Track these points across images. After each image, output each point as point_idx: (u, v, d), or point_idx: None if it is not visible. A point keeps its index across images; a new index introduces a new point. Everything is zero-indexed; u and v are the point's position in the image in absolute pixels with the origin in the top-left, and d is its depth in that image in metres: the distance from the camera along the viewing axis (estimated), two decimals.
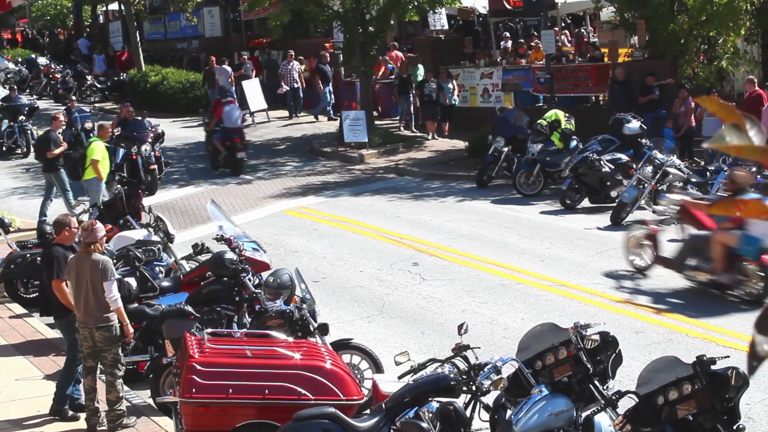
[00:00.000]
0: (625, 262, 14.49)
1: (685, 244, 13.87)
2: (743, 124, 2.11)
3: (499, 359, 8.40)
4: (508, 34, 30.50)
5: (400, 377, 8.79)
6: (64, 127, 20.44)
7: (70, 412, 10.01)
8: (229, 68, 30.62)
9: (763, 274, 12.58)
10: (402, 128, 26.98)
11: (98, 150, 17.59)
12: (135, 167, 20.85)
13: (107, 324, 9.68)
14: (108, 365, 9.69)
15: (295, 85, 29.95)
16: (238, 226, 13.39)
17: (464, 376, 8.37)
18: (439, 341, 11.64)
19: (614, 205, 17.43)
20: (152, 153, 21.18)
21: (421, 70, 26.61)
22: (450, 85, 25.58)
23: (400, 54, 29.73)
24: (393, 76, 28.94)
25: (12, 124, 26.22)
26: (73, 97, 30.03)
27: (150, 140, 21.40)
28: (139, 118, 22.31)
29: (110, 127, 19.01)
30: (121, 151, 21.06)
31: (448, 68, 26.13)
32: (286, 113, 31.03)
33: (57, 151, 18.57)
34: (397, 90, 27.20)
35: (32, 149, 23.78)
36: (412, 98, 26.57)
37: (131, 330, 10.13)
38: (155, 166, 21.13)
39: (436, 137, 25.71)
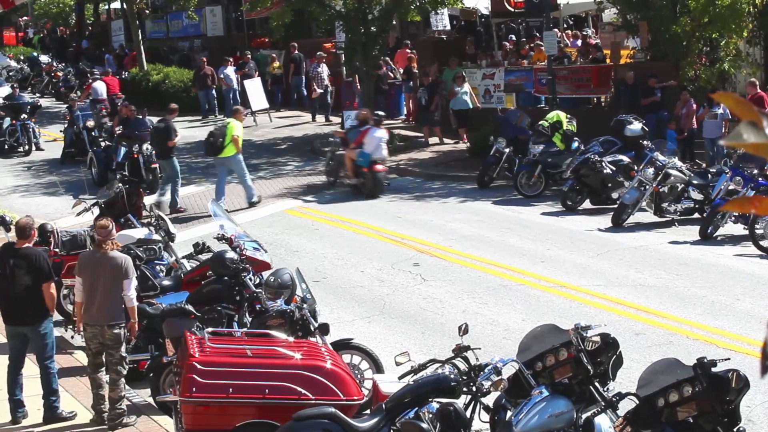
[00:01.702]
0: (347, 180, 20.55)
1: (335, 160, 20.97)
2: (760, 121, 2.10)
3: (499, 360, 8.40)
4: (514, 38, 30.43)
5: (400, 377, 8.79)
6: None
7: (65, 412, 9.99)
8: (230, 69, 30.17)
9: (372, 178, 19.84)
10: (438, 133, 25.77)
11: (238, 127, 19.41)
12: (136, 166, 20.80)
13: (119, 322, 9.76)
14: (114, 363, 9.76)
15: (326, 86, 29.44)
16: (239, 225, 13.38)
17: (465, 377, 8.37)
18: (439, 342, 11.64)
19: (615, 206, 17.43)
20: (153, 152, 21.04)
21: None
22: (464, 89, 24.85)
23: (409, 52, 29.53)
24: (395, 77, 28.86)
25: (14, 122, 26.21)
26: (74, 96, 30.01)
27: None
28: (140, 116, 22.30)
29: (242, 112, 20.64)
30: (123, 150, 21.03)
31: (462, 71, 25.53)
32: (283, 113, 30.99)
33: (177, 139, 20.02)
34: (427, 93, 25.89)
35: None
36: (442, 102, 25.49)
37: (136, 329, 10.15)
38: (156, 165, 21.00)
39: (443, 141, 25.33)
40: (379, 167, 19.94)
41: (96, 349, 9.79)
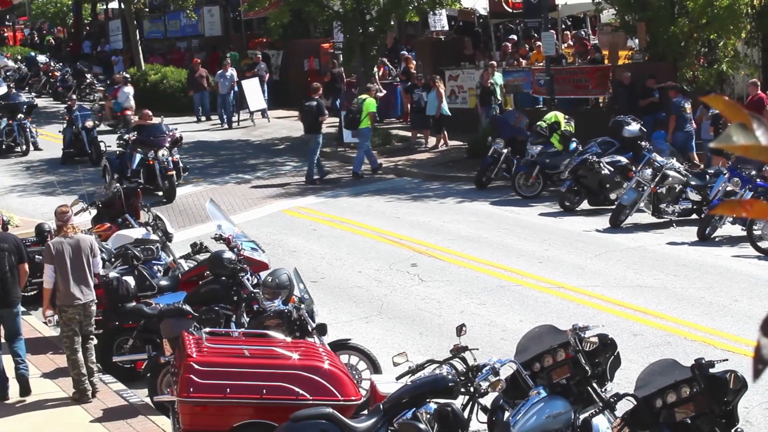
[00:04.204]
0: None
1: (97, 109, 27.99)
2: (750, 124, 2.10)
3: (497, 361, 8.39)
4: (514, 37, 30.37)
5: (398, 378, 8.78)
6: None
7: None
8: (230, 72, 29.89)
9: (123, 119, 26.16)
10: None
11: (373, 104, 22.47)
12: (152, 173, 20.06)
13: (95, 298, 10.46)
14: (90, 333, 10.41)
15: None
16: (236, 225, 13.36)
17: (462, 378, 8.36)
18: (437, 342, 11.63)
19: (613, 207, 17.42)
20: (170, 158, 20.17)
21: (498, 78, 24.54)
22: (433, 94, 24.15)
23: (406, 53, 29.38)
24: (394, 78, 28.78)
25: (11, 122, 26.16)
26: (74, 96, 29.96)
27: (167, 145, 20.36)
28: (157, 121, 21.42)
29: (374, 90, 23.27)
30: (138, 157, 20.18)
31: (434, 75, 24.86)
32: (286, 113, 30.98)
33: (326, 115, 22.48)
34: (479, 101, 24.48)
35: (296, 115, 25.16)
36: (494, 111, 23.85)
37: None
38: (173, 172, 20.18)
39: (440, 146, 25.07)
40: (128, 113, 26.68)
41: (77, 328, 10.28)
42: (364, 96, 22.60)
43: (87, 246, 10.42)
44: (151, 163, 20.09)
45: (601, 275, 14.34)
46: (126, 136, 21.06)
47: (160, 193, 20.20)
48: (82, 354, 10.24)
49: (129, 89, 28.97)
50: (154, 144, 20.26)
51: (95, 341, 10.65)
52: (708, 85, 21.57)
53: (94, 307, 10.47)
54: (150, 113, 21.82)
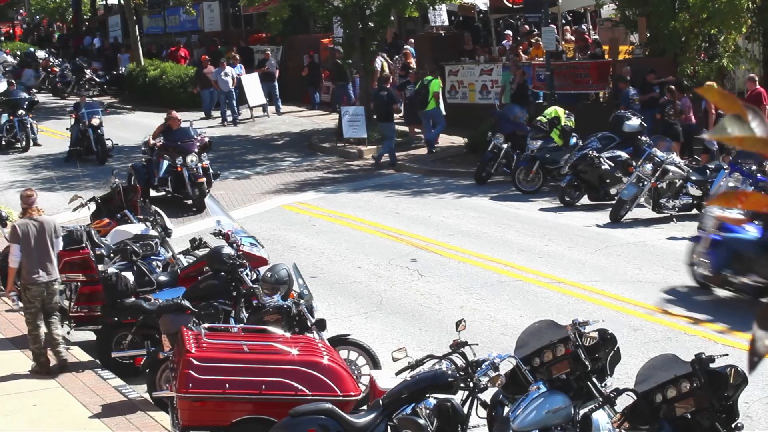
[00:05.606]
0: None
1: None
2: (745, 115, 2.08)
3: (497, 356, 8.38)
4: (510, 33, 30.33)
5: (397, 373, 8.78)
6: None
7: None
8: (229, 70, 29.66)
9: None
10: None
11: (438, 85, 23.45)
12: (180, 181, 18.76)
13: (58, 277, 10.97)
14: (54, 309, 10.88)
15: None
16: (236, 221, 13.34)
17: (462, 373, 8.35)
18: (436, 337, 11.62)
19: (613, 202, 17.40)
20: (199, 164, 18.78)
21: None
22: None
23: (407, 48, 29.34)
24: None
25: (11, 118, 26.12)
26: (83, 93, 29.89)
27: (196, 150, 19.01)
28: (185, 125, 19.84)
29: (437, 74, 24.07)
30: (165, 164, 18.96)
31: (420, 70, 24.71)
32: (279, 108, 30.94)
33: (400, 106, 24.09)
34: (511, 98, 23.86)
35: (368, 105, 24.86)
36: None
37: None
38: (203, 179, 18.70)
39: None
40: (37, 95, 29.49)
41: (40, 305, 10.76)
42: (429, 77, 23.18)
43: (51, 228, 10.91)
44: (180, 170, 18.73)
45: (601, 270, 14.32)
46: (152, 142, 19.58)
47: (190, 202, 19.08)
48: (46, 327, 10.74)
49: (31, 71, 35.23)
50: (182, 149, 18.88)
51: (59, 316, 11.05)
52: (708, 80, 21.54)
53: (57, 286, 10.93)
54: (177, 116, 19.97)
